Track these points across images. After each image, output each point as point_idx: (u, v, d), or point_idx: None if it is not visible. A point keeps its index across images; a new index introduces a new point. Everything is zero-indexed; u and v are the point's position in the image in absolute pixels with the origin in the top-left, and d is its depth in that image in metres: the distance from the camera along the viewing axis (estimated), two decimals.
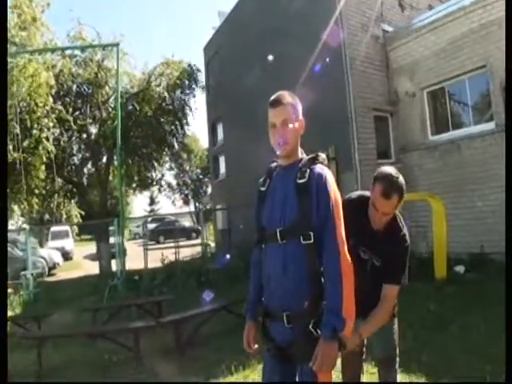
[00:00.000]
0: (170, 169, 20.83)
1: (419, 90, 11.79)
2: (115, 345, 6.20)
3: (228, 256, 12.12)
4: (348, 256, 2.15)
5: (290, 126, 2.25)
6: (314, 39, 12.00)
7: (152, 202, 57.21)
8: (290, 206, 2.22)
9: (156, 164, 19.24)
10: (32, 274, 12.75)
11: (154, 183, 20.76)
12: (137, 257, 15.20)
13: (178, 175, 47.76)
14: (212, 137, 22.88)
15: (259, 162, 2.44)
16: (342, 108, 11.66)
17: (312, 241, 2.14)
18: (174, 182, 48.58)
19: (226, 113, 19.96)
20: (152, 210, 56.28)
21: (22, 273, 12.81)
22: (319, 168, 2.24)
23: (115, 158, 17.17)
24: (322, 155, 2.32)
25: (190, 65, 18.01)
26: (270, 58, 13.69)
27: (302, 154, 2.38)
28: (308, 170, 2.23)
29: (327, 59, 11.57)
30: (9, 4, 12.03)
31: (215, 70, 20.80)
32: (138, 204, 69.80)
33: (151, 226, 32.88)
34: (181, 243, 16.47)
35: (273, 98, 2.31)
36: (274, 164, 2.45)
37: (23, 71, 11.88)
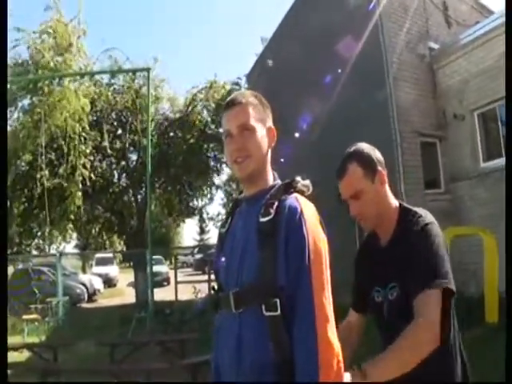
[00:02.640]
0: (210, 199, 20.04)
1: (469, 112, 10.77)
2: None
3: None
4: (333, 339, 1.34)
5: (252, 132, 1.55)
6: (357, 60, 11.27)
7: (202, 231, 57.39)
8: (249, 257, 1.50)
9: (197, 193, 18.88)
10: (58, 302, 12.59)
11: (196, 212, 20.34)
12: (179, 287, 15.07)
13: (226, 205, 47.77)
14: None
15: None
16: (385, 132, 10.74)
17: (278, 312, 1.39)
18: (222, 212, 48.63)
19: None
20: (201, 240, 56.34)
21: (48, 299, 12.68)
22: (293, 199, 1.49)
23: (156, 186, 17.00)
24: (302, 181, 1.56)
25: (237, 83, 17.63)
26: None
27: (275, 179, 1.62)
28: (276, 203, 1.47)
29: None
30: (43, 28, 12.15)
31: None
32: (187, 233, 70.36)
33: (198, 255, 32.92)
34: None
35: (229, 98, 1.64)
36: (243, 195, 1.72)
37: (58, 97, 11.85)
